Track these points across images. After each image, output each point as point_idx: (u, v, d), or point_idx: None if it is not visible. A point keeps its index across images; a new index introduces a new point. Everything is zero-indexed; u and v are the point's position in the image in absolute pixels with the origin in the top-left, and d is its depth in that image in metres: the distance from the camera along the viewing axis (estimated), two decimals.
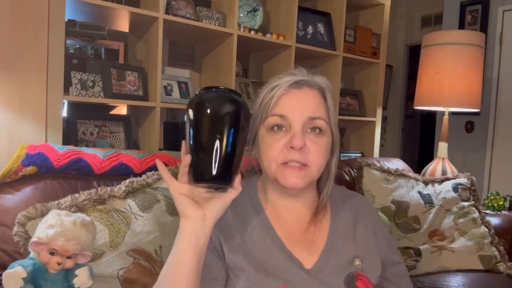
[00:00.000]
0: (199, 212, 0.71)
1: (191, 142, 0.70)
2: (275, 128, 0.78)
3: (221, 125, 0.68)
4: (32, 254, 0.88)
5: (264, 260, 0.78)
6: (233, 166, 0.70)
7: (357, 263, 0.81)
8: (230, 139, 0.69)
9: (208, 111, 0.69)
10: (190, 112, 0.71)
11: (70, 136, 1.59)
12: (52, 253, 0.85)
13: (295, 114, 0.78)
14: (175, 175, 1.15)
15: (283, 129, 0.78)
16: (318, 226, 0.85)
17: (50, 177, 1.11)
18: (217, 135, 0.68)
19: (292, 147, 0.76)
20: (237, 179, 0.72)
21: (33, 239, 0.86)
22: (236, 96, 0.72)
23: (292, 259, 0.79)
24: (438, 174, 2.01)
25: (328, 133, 0.81)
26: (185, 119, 0.72)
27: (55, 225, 0.86)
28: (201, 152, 0.69)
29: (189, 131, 0.71)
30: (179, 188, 0.72)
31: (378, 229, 0.91)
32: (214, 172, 0.68)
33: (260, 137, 0.81)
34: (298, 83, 0.80)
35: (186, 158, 0.70)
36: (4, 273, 0.83)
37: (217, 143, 0.68)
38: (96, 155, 1.18)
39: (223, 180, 0.70)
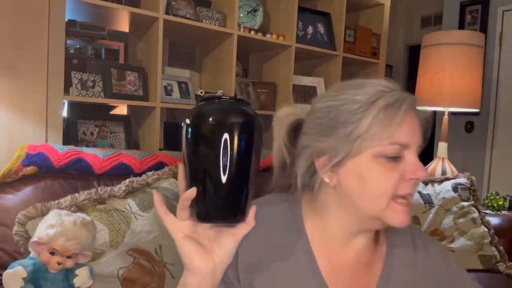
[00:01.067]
0: (209, 264, 0.60)
1: (192, 169, 0.57)
2: (391, 157, 0.64)
3: (232, 147, 0.55)
4: (32, 254, 0.88)
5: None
6: (248, 198, 0.58)
7: None
8: (244, 164, 0.56)
9: (214, 129, 0.55)
10: (190, 130, 0.57)
11: (70, 136, 1.59)
12: (52, 253, 0.85)
13: (414, 142, 0.65)
14: (175, 175, 1.15)
15: (397, 158, 0.65)
16: (370, 268, 0.72)
17: (50, 177, 1.11)
18: (227, 160, 0.55)
19: (413, 179, 0.64)
20: (251, 212, 0.61)
21: (34, 239, 0.86)
22: (246, 108, 0.58)
23: None
24: (438, 174, 2.01)
25: None
26: (184, 138, 0.58)
27: (56, 225, 0.86)
28: (207, 182, 0.55)
29: (189, 155, 0.57)
30: (181, 228, 0.59)
31: (441, 270, 0.75)
32: (224, 207, 0.56)
33: (361, 165, 0.65)
34: (413, 104, 0.67)
35: (189, 192, 0.57)
36: (5, 273, 0.83)
37: (228, 170, 0.55)
38: (96, 155, 1.18)
39: (236, 216, 0.58)
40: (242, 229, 0.61)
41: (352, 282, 0.70)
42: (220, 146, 0.54)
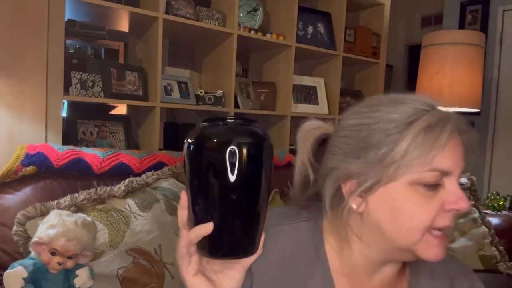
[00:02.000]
0: None
1: (199, 203, 0.51)
2: (430, 185, 0.57)
3: (245, 177, 0.49)
4: (32, 254, 0.88)
5: None
6: (259, 230, 0.52)
7: None
8: (258, 192, 0.50)
9: (226, 158, 0.48)
10: (195, 158, 0.50)
11: (70, 136, 1.59)
12: (53, 253, 0.85)
13: (457, 168, 0.58)
14: (174, 175, 1.15)
15: (437, 185, 0.57)
16: None
17: (49, 177, 1.11)
18: (241, 189, 0.49)
19: (454, 209, 0.57)
20: (262, 241, 0.54)
21: (34, 239, 0.86)
22: (257, 129, 0.52)
23: None
24: None
25: None
26: (185, 164, 0.52)
27: (57, 225, 0.86)
28: (219, 214, 0.49)
29: (197, 183, 0.50)
30: (193, 265, 0.53)
31: None
32: (239, 242, 0.51)
33: (396, 193, 0.58)
34: (458, 125, 0.58)
35: (204, 227, 0.50)
36: (5, 273, 0.83)
37: (241, 204, 0.50)
38: (96, 155, 1.18)
39: (248, 251, 0.52)
40: (251, 258, 0.54)
41: None
42: (234, 172, 0.48)
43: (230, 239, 0.50)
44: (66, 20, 1.46)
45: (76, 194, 1.02)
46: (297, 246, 0.64)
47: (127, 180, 1.11)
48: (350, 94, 2.55)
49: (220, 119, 0.51)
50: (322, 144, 0.67)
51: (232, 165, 0.48)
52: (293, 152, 1.56)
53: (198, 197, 0.50)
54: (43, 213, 0.95)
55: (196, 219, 0.51)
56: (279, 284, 0.63)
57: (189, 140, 0.50)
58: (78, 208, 1.00)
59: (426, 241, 0.58)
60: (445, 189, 0.57)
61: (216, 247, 0.51)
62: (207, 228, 0.49)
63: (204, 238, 0.50)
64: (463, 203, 0.57)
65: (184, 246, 0.52)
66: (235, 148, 0.48)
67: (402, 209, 0.57)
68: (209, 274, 0.55)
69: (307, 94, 2.27)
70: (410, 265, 0.69)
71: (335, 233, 0.66)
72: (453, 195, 0.57)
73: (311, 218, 0.67)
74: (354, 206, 0.61)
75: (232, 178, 0.48)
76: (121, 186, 1.09)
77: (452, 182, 0.57)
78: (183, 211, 0.52)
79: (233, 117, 0.52)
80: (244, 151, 0.48)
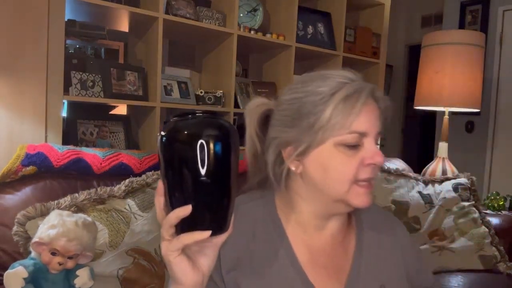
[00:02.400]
0: (200, 276, 0.60)
1: (174, 190, 0.55)
2: (351, 145, 0.68)
3: (215, 163, 0.54)
4: (33, 254, 0.88)
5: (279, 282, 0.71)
6: (230, 210, 0.58)
7: None
8: (227, 175, 0.56)
9: (195, 148, 0.53)
10: (168, 150, 0.55)
11: (70, 136, 1.59)
12: (53, 253, 0.85)
13: (372, 130, 0.69)
14: None
15: (357, 145, 0.69)
16: (345, 248, 0.78)
17: (49, 177, 1.11)
18: (213, 178, 0.54)
19: (370, 164, 0.68)
20: (232, 220, 0.59)
21: (35, 239, 0.86)
22: (223, 121, 0.58)
23: (307, 285, 0.72)
24: (438, 174, 2.01)
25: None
26: (159, 156, 0.56)
27: (57, 225, 0.86)
28: (192, 202, 0.54)
29: (169, 175, 0.55)
30: (174, 247, 0.57)
31: (407, 251, 0.82)
32: (212, 221, 0.56)
33: (324, 153, 0.69)
34: (372, 93, 0.70)
35: (182, 210, 0.54)
36: (6, 273, 0.83)
37: (214, 188, 0.55)
38: (96, 155, 1.18)
39: (222, 229, 0.57)
40: (222, 237, 0.59)
41: (330, 263, 0.75)
42: (204, 160, 0.53)
43: (205, 220, 0.55)
44: (66, 20, 1.46)
45: (76, 194, 1.02)
46: (255, 222, 0.75)
47: (127, 180, 1.10)
48: None
49: (189, 114, 0.56)
50: (266, 119, 0.77)
51: (202, 154, 0.53)
52: None
53: (173, 184, 0.55)
54: (43, 213, 0.95)
55: (173, 205, 0.55)
56: (244, 261, 0.71)
57: (162, 133, 0.55)
58: (78, 208, 1.00)
59: (353, 191, 0.69)
60: (364, 148, 0.69)
61: (193, 228, 0.55)
62: (186, 209, 0.54)
63: (182, 220, 0.54)
64: (378, 158, 0.68)
65: (165, 229, 0.56)
66: (204, 138, 0.53)
67: (330, 166, 0.69)
68: (189, 254, 0.59)
69: None
70: (356, 220, 0.81)
71: (284, 202, 0.77)
72: (370, 152, 0.68)
73: (264, 196, 0.78)
74: (293, 168, 0.73)
75: (203, 165, 0.53)
76: (121, 186, 1.09)
77: (369, 142, 0.69)
78: (160, 198, 0.57)
79: (201, 111, 0.56)
80: (212, 141, 0.54)
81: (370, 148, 0.69)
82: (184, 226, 0.55)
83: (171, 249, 0.56)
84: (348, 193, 0.69)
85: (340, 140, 0.68)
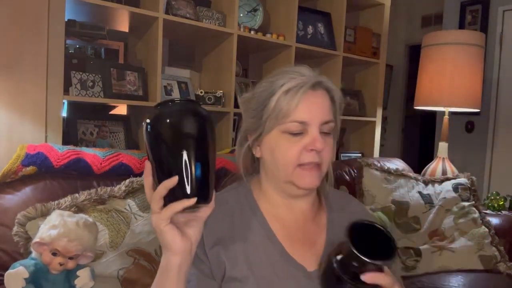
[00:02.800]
0: (188, 244, 0.67)
1: (160, 170, 0.64)
2: (294, 132, 0.78)
3: (195, 142, 0.63)
4: (33, 254, 0.88)
5: (267, 269, 0.78)
6: (211, 184, 0.66)
7: None
8: (206, 155, 0.65)
9: (179, 129, 0.63)
10: (152, 135, 0.64)
11: (70, 136, 1.58)
12: (54, 254, 0.85)
13: (313, 119, 0.77)
14: None
15: (301, 133, 0.78)
16: (317, 224, 0.86)
17: (50, 177, 1.11)
18: (193, 154, 0.63)
19: (312, 150, 0.77)
20: (213, 196, 0.67)
21: (36, 239, 0.86)
22: (200, 107, 0.67)
23: (295, 265, 0.79)
24: (438, 174, 2.01)
25: (335, 134, 0.84)
26: (145, 141, 0.65)
27: (58, 226, 0.86)
28: (177, 174, 0.62)
29: (155, 157, 0.64)
30: (165, 216, 0.64)
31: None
32: (196, 191, 0.63)
33: (272, 139, 0.80)
34: (314, 86, 0.79)
35: (170, 181, 0.62)
36: (6, 273, 0.83)
37: (195, 163, 0.63)
38: (96, 155, 1.18)
39: (205, 199, 0.65)
40: (206, 211, 0.68)
41: (304, 237, 0.83)
42: (185, 142, 0.63)
43: (190, 189, 0.62)
44: (66, 20, 1.46)
45: (77, 195, 1.02)
46: (234, 206, 0.83)
47: (127, 181, 1.10)
48: (350, 94, 2.55)
49: (169, 101, 0.65)
50: None
51: (184, 136, 0.63)
52: None
53: (160, 163, 0.63)
54: (44, 214, 0.95)
55: (160, 179, 0.63)
56: (226, 238, 0.79)
57: (147, 121, 0.64)
58: (78, 208, 1.00)
59: (297, 173, 0.78)
60: (308, 135, 0.77)
61: (180, 198, 0.62)
62: (173, 180, 0.61)
63: (169, 192, 0.62)
64: (317, 144, 0.76)
65: (156, 201, 0.63)
66: (185, 123, 0.63)
67: (276, 151, 0.79)
68: (178, 225, 0.66)
69: None
70: (326, 202, 0.90)
71: (257, 187, 0.87)
72: (310, 139, 0.77)
73: (241, 185, 0.87)
74: (255, 152, 0.84)
75: (185, 144, 0.62)
76: (122, 187, 1.09)
77: (312, 130, 0.77)
78: (148, 178, 0.65)
79: (179, 99, 0.66)
80: (192, 124, 0.63)
81: (311, 136, 0.77)
82: (171, 197, 0.62)
83: (162, 217, 0.63)
84: (293, 175, 0.78)
85: (284, 128, 0.77)
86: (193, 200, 0.62)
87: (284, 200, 0.85)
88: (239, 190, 0.87)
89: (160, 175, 0.63)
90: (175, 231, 0.65)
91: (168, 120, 0.63)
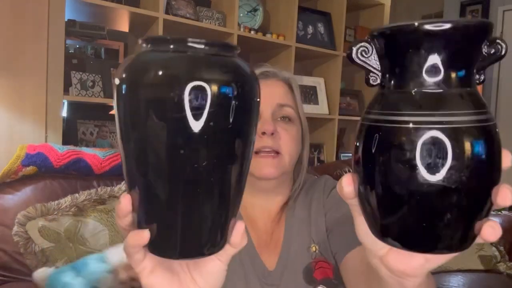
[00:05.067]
0: None
1: (137, 177, 0.33)
2: None
3: (216, 134, 0.31)
4: None
5: (235, 270, 0.73)
6: (231, 215, 0.36)
7: (314, 249, 0.77)
8: (231, 162, 0.33)
9: (183, 103, 0.30)
10: (129, 105, 0.32)
11: (70, 136, 1.58)
12: None
13: (264, 102, 0.71)
14: None
15: None
16: (279, 222, 0.80)
17: (50, 177, 1.11)
18: (207, 160, 0.32)
19: (263, 133, 0.73)
20: (237, 231, 0.38)
21: None
22: (240, 62, 0.34)
23: (258, 267, 0.75)
24: None
25: (297, 122, 0.80)
26: (116, 118, 0.34)
27: None
28: (167, 199, 0.33)
29: (130, 151, 0.33)
30: (148, 259, 0.38)
31: (328, 206, 0.80)
32: (199, 236, 0.34)
33: None
34: (264, 74, 0.78)
35: (133, 239, 0.35)
36: None
37: (207, 178, 0.32)
38: (96, 155, 1.18)
39: (216, 246, 0.36)
40: (227, 251, 0.39)
41: (270, 238, 0.78)
42: (197, 127, 0.30)
43: (189, 231, 0.33)
44: (66, 20, 1.46)
45: (77, 195, 1.02)
46: None
47: None
48: (350, 94, 2.55)
49: (172, 40, 0.32)
50: None
51: (195, 116, 0.30)
52: None
53: (138, 168, 0.33)
54: (44, 214, 0.95)
55: (138, 204, 0.34)
56: None
57: (118, 78, 0.32)
58: (78, 208, 1.00)
59: (255, 161, 0.72)
60: (260, 120, 0.73)
61: (167, 245, 0.34)
62: (142, 238, 0.34)
63: (152, 231, 0.34)
64: (266, 126, 0.72)
65: (128, 246, 0.36)
66: (203, 87, 0.30)
67: None
68: (176, 266, 0.41)
69: (307, 94, 2.27)
70: (293, 194, 0.81)
71: None
72: (261, 123, 0.73)
73: None
74: None
75: (194, 132, 0.31)
76: (122, 187, 1.09)
77: (263, 114, 0.74)
78: (124, 219, 0.37)
79: (197, 40, 0.32)
80: (216, 94, 0.30)
81: (262, 119, 0.74)
82: (155, 242, 0.34)
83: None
84: (251, 165, 0.71)
85: None
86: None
87: (253, 199, 0.79)
88: None
89: (134, 195, 0.34)
90: (167, 278, 0.39)
91: (163, 80, 0.31)
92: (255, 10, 2.09)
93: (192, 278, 0.41)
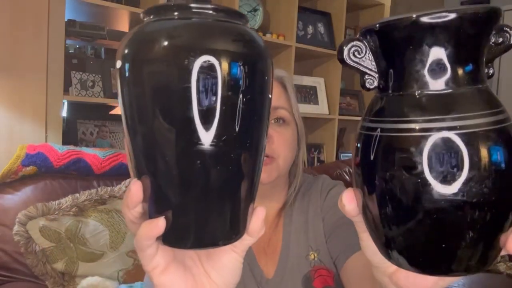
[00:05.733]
0: None
1: (147, 166, 0.31)
2: None
3: (230, 115, 0.29)
4: None
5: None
6: (248, 202, 0.33)
7: (312, 256, 0.74)
8: (250, 146, 0.31)
9: (192, 80, 0.27)
10: (132, 85, 0.30)
11: (70, 136, 1.58)
12: None
13: None
14: None
15: None
16: (276, 228, 0.77)
17: (50, 177, 1.11)
18: (220, 144, 0.29)
19: None
20: (257, 217, 0.35)
21: None
22: (251, 32, 0.32)
23: (257, 274, 0.73)
24: None
25: (292, 124, 0.75)
26: (121, 102, 0.31)
27: None
28: (179, 189, 0.30)
29: (137, 135, 0.31)
30: (160, 256, 0.35)
31: (326, 209, 0.77)
32: (213, 225, 0.32)
33: None
34: None
35: (146, 230, 0.32)
36: None
37: (222, 164, 0.30)
38: (96, 155, 1.18)
39: (229, 235, 0.33)
40: (244, 241, 0.36)
41: (268, 246, 0.75)
42: (208, 106, 0.28)
43: (201, 220, 0.31)
44: (66, 20, 1.46)
45: (77, 195, 1.02)
46: None
47: (127, 181, 1.10)
48: (350, 94, 2.55)
49: (176, 6, 0.29)
50: None
51: (205, 94, 0.28)
52: None
53: (146, 155, 0.30)
54: (45, 213, 0.95)
55: (150, 192, 0.31)
56: None
57: (125, 51, 0.30)
58: (79, 208, 1.00)
59: None
60: None
61: (181, 234, 0.32)
62: (157, 227, 0.31)
63: (168, 224, 0.31)
64: None
65: (140, 239, 0.32)
66: (214, 61, 0.28)
67: None
68: (188, 261, 0.38)
69: (307, 94, 2.27)
70: (290, 198, 0.78)
71: None
72: None
73: None
74: None
75: (208, 106, 0.28)
76: (122, 187, 1.09)
77: None
78: (134, 209, 0.33)
79: (203, 5, 0.30)
80: (229, 68, 0.28)
81: None
82: (167, 232, 0.31)
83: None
84: None
85: None
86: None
87: None
88: None
89: (145, 182, 0.31)
90: (179, 275, 0.36)
91: (170, 58, 0.28)
92: (255, 10, 2.09)
93: (206, 273, 0.38)
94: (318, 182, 0.81)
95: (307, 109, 2.22)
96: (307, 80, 2.30)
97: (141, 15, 0.31)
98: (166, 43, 0.28)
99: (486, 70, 0.29)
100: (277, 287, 0.72)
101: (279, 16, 2.17)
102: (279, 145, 0.70)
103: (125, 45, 0.29)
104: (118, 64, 0.30)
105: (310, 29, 2.24)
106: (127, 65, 0.29)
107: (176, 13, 0.29)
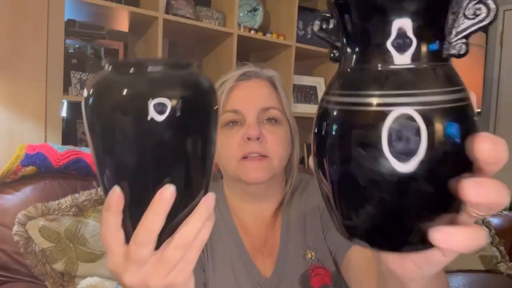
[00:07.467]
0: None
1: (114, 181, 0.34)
2: (230, 124, 0.73)
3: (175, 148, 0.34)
4: None
5: (230, 277, 0.73)
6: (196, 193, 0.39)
7: (310, 255, 0.75)
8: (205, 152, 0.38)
9: (146, 115, 0.32)
10: (96, 120, 0.34)
11: (69, 136, 1.58)
12: None
13: (247, 106, 0.73)
14: None
15: (238, 123, 0.73)
16: (273, 228, 0.78)
17: (49, 177, 1.11)
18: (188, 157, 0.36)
19: (249, 138, 0.70)
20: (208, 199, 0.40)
21: None
22: (199, 78, 0.36)
23: (253, 274, 0.74)
24: None
25: (284, 123, 0.77)
26: (87, 129, 0.35)
27: None
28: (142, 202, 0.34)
29: (103, 165, 0.35)
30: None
31: (323, 206, 0.79)
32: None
33: (219, 138, 0.71)
34: (245, 75, 0.76)
35: (137, 250, 0.35)
36: None
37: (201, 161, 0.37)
38: None
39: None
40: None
41: (265, 246, 0.77)
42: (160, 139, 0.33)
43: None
44: (66, 20, 1.46)
45: (77, 195, 1.02)
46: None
47: None
48: None
49: (134, 64, 0.33)
50: None
51: (156, 129, 0.32)
52: None
53: (112, 181, 0.34)
54: (44, 213, 0.95)
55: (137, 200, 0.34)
56: (210, 259, 0.74)
57: (87, 93, 0.33)
58: (79, 209, 1.00)
59: (241, 166, 0.71)
60: (243, 125, 0.72)
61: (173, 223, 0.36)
62: (169, 188, 0.34)
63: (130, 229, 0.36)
64: (250, 131, 0.70)
65: (144, 242, 0.35)
66: (166, 103, 0.32)
67: (220, 147, 0.73)
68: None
69: (307, 94, 2.27)
70: (287, 198, 0.79)
71: (227, 190, 0.81)
72: (246, 128, 0.71)
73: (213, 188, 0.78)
74: None
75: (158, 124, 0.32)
76: None
77: (248, 118, 0.72)
78: (115, 217, 0.36)
79: (157, 60, 0.34)
80: (179, 111, 0.32)
81: (247, 124, 0.72)
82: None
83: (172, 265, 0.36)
84: (238, 169, 0.72)
85: (221, 121, 0.74)
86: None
87: (244, 205, 0.78)
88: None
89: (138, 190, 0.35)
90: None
91: (127, 98, 0.32)
92: (255, 9, 2.09)
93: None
94: (315, 181, 0.81)
95: (307, 109, 2.21)
96: (307, 80, 2.30)
97: (109, 63, 0.35)
98: (125, 91, 0.32)
99: (456, 48, 0.28)
100: (275, 287, 0.72)
101: (279, 16, 2.17)
102: (273, 144, 0.72)
103: (97, 84, 0.34)
104: (90, 91, 0.34)
105: (310, 29, 2.24)
106: (91, 99, 0.33)
107: (131, 65, 0.34)
